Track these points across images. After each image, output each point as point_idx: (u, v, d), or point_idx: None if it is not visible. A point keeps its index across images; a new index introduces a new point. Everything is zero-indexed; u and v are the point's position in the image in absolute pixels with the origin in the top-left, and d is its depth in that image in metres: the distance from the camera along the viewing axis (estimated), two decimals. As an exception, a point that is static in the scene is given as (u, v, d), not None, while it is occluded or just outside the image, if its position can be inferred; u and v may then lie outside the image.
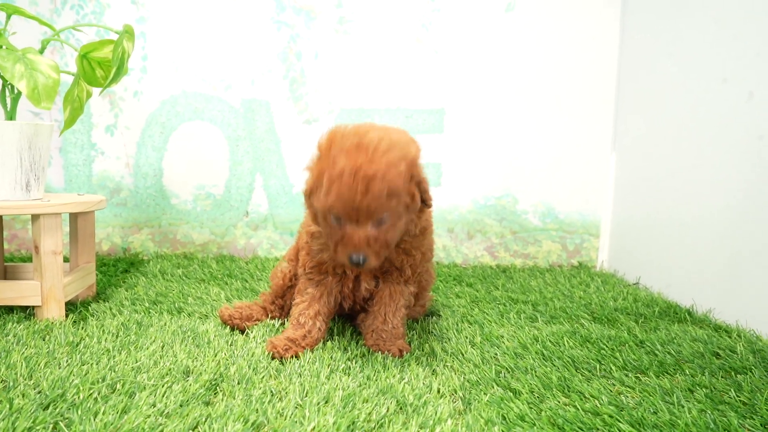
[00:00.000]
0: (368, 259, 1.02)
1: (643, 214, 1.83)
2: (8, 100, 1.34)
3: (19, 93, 1.33)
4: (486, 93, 2.03)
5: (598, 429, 0.82)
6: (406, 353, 1.13)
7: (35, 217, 1.28)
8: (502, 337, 1.25)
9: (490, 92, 2.03)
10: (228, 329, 1.26)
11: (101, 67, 1.33)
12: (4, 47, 1.26)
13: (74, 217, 1.45)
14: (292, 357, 1.09)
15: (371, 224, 1.00)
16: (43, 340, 1.14)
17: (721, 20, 1.47)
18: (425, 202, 1.09)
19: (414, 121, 2.03)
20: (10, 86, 1.34)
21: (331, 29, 1.99)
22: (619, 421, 0.84)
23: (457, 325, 1.33)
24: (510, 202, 2.07)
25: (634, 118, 1.91)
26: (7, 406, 0.84)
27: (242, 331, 1.26)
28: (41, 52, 1.31)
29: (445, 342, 1.21)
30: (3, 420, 0.79)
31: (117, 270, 1.78)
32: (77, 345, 1.12)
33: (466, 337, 1.24)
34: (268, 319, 1.32)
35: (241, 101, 2.00)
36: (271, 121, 2.01)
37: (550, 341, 1.21)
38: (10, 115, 1.33)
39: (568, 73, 2.02)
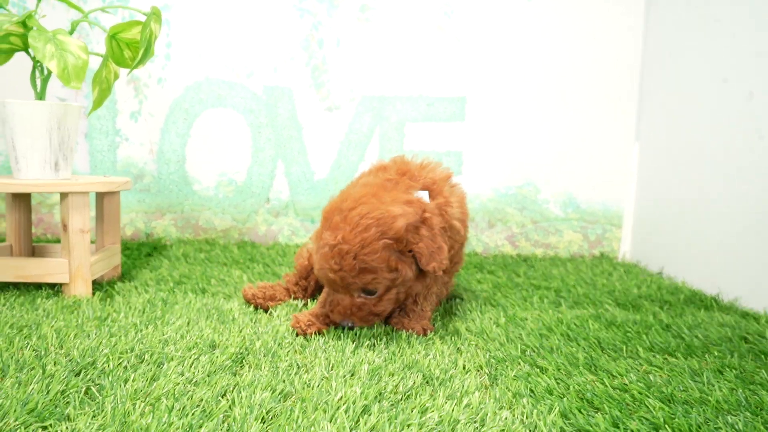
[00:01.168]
0: (354, 324, 1.10)
1: (667, 204, 1.81)
2: (38, 82, 1.36)
3: (49, 74, 1.35)
4: (508, 81, 2.02)
5: (627, 404, 0.82)
6: (430, 332, 1.13)
7: (64, 196, 1.30)
8: (526, 319, 1.24)
9: (512, 80, 2.02)
10: (252, 308, 1.27)
11: (129, 48, 1.35)
12: (35, 28, 1.28)
13: (101, 197, 1.47)
14: (315, 333, 1.09)
15: (358, 294, 1.07)
16: (72, 314, 1.15)
17: (756, 7, 1.45)
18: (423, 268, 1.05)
19: (435, 109, 2.03)
20: (40, 67, 1.36)
21: (353, 17, 1.99)
22: (649, 397, 0.84)
23: (481, 307, 1.33)
24: (531, 191, 2.06)
25: (658, 108, 1.89)
26: (40, 371, 0.85)
27: (265, 311, 1.27)
28: (71, 33, 1.33)
29: (470, 322, 1.21)
30: (37, 383, 0.80)
31: (141, 254, 1.80)
32: (105, 319, 1.13)
33: (490, 318, 1.23)
34: (291, 300, 1.33)
35: (263, 88, 2.01)
36: (293, 108, 2.02)
37: (574, 324, 1.20)
38: (40, 96, 1.36)
39: (592, 61, 2.00)
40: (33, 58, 1.34)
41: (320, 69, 2.01)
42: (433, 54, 2.01)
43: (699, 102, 1.65)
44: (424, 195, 1.13)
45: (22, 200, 1.50)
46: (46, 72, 1.35)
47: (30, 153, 1.32)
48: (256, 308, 1.28)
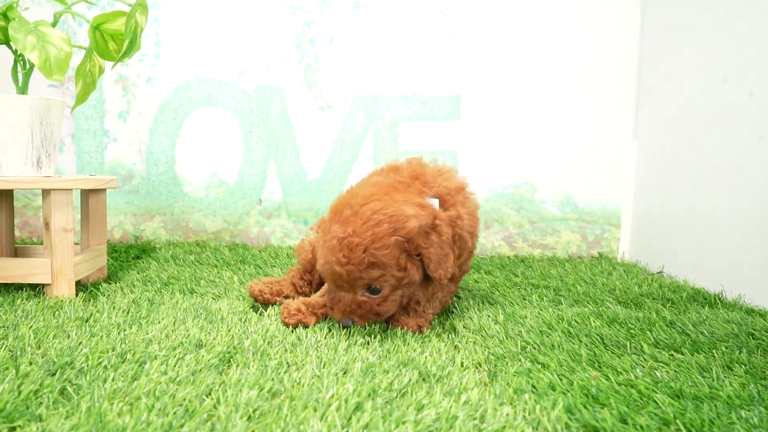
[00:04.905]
0: (355, 323, 1.05)
1: (666, 202, 1.78)
2: (20, 76, 1.32)
3: (31, 68, 1.31)
4: (504, 79, 1.99)
5: (634, 399, 0.77)
6: (426, 329, 1.08)
7: (46, 193, 1.26)
8: (526, 317, 1.20)
9: (508, 78, 1.99)
10: (241, 308, 1.22)
11: (114, 40, 1.31)
12: (16, 20, 1.24)
13: (86, 196, 1.43)
14: (300, 326, 1.08)
15: (362, 291, 1.03)
16: (53, 315, 1.11)
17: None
18: (433, 276, 1.03)
19: (430, 107, 1.99)
20: (21, 61, 1.32)
21: (346, 14, 1.96)
22: (656, 392, 0.79)
23: (478, 305, 1.29)
24: (528, 190, 2.03)
25: (656, 106, 1.86)
26: (14, 371, 0.80)
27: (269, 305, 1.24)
28: (54, 25, 1.28)
29: (467, 320, 1.16)
30: (8, 383, 0.75)
31: (129, 256, 1.75)
32: (87, 320, 1.08)
33: (488, 316, 1.19)
34: (297, 296, 1.28)
35: (254, 87, 1.97)
36: (285, 108, 1.98)
37: (575, 321, 1.16)
38: (22, 90, 1.31)
39: (589, 58, 1.97)
40: (14, 52, 1.30)
41: (312, 67, 1.98)
42: (427, 52, 1.98)
43: (697, 99, 1.62)
44: (434, 203, 1.10)
45: (3, 198, 1.45)
46: (28, 65, 1.31)
47: (11, 149, 1.27)
48: (265, 306, 1.24)
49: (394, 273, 1.00)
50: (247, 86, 1.97)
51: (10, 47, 1.31)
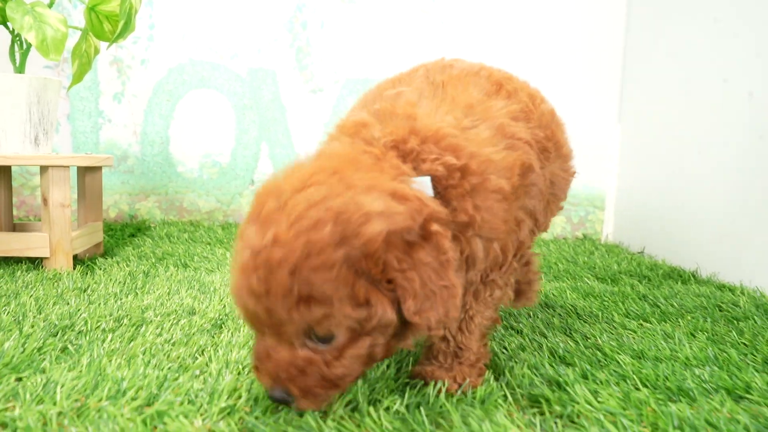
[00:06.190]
0: (295, 401, 0.61)
1: (649, 185, 1.83)
2: (17, 55, 1.35)
3: (29, 47, 1.35)
4: (491, 64, 2.03)
5: (598, 359, 0.83)
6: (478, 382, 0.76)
7: (44, 169, 1.30)
8: (505, 290, 1.25)
9: (496, 63, 2.02)
10: (233, 281, 1.27)
11: (109, 21, 1.34)
12: (13, 0, 1.28)
13: (82, 174, 1.47)
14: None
15: (303, 340, 0.60)
16: (52, 285, 1.15)
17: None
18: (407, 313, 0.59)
19: (419, 91, 2.03)
20: (19, 41, 1.35)
21: (337, -1, 2.00)
22: (620, 354, 0.85)
23: (461, 279, 1.34)
24: (515, 173, 2.07)
25: (640, 89, 1.91)
26: (17, 332, 0.85)
27: None
28: (50, 6, 1.32)
29: (449, 292, 1.22)
30: (13, 341, 0.80)
31: (124, 234, 1.80)
32: (85, 290, 1.13)
33: (469, 289, 1.24)
34: None
35: (247, 70, 2.01)
36: (277, 90, 2.02)
37: (552, 294, 1.22)
38: (19, 69, 1.35)
39: (575, 42, 2.02)
40: (11, 32, 1.34)
41: (304, 51, 2.02)
42: (417, 37, 2.02)
43: (677, 87, 1.67)
44: (424, 183, 0.66)
45: (1, 175, 1.49)
46: (25, 45, 1.35)
47: (9, 127, 1.31)
48: None
49: (347, 311, 0.58)
50: (239, 69, 2.01)
51: (7, 27, 1.34)
